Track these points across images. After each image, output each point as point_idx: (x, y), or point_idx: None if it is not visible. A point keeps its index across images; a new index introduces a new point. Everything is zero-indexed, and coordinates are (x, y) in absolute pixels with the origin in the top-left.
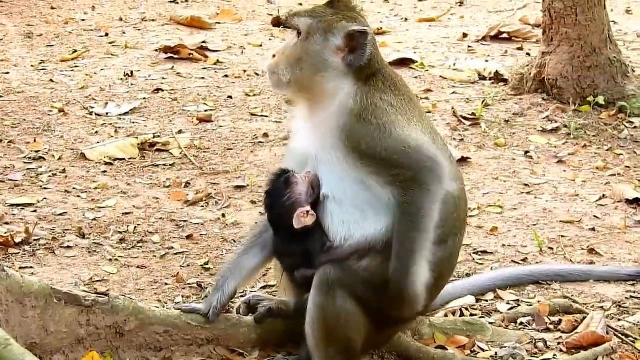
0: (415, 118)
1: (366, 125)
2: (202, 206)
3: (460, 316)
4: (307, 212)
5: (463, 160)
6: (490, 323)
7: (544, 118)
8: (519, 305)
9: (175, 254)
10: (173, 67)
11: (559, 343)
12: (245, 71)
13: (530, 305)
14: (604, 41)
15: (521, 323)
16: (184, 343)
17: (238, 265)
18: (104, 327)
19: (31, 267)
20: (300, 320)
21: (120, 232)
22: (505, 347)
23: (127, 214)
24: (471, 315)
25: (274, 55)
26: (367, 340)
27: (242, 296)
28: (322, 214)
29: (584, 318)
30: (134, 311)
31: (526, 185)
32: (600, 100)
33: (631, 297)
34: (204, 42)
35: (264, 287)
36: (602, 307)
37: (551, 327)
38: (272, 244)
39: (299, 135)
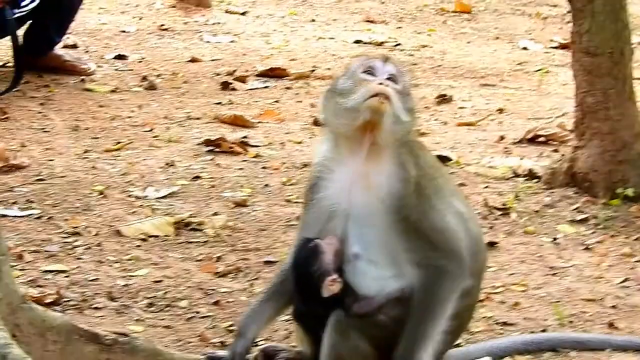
0: (452, 185)
1: (421, 197)
2: (231, 278)
3: None
4: (334, 279)
5: (491, 245)
6: None
7: (573, 209)
8: None
9: (202, 317)
10: (213, 158)
11: None
12: (284, 163)
13: None
14: (635, 136)
15: None
16: None
17: (259, 312)
18: None
19: None
20: None
21: (149, 298)
22: None
23: (157, 282)
24: None
25: None
26: None
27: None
28: (352, 272)
29: None
30: (153, 353)
31: (552, 267)
32: (630, 192)
33: None
34: (245, 137)
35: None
36: None
37: None
38: (295, 309)
39: (333, 186)
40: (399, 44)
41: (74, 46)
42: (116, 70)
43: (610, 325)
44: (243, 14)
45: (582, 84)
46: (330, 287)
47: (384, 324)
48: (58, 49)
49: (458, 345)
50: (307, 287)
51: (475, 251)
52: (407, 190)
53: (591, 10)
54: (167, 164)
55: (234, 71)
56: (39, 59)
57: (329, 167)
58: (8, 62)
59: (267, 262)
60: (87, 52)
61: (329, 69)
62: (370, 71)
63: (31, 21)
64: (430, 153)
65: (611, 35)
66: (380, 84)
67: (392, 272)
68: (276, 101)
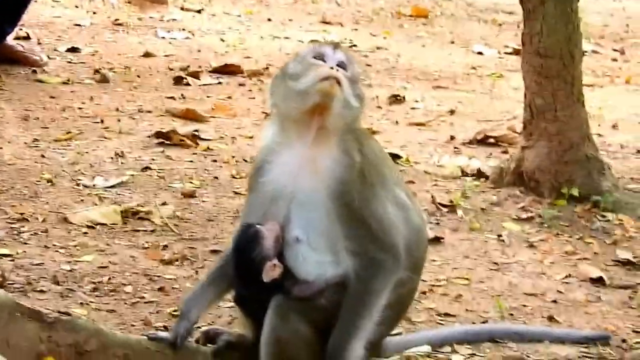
0: (396, 174)
1: (364, 184)
2: (177, 266)
3: None
4: (275, 264)
5: (436, 239)
6: None
7: (519, 208)
8: (473, 357)
9: (146, 302)
10: (163, 150)
11: None
12: (234, 157)
13: (484, 357)
14: (582, 138)
15: None
16: None
17: (201, 295)
18: (65, 344)
19: None
20: (257, 353)
21: (94, 283)
22: None
23: (102, 267)
24: None
25: None
26: None
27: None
28: (292, 256)
29: None
30: (95, 332)
31: (495, 263)
32: (575, 192)
33: (584, 356)
34: (196, 130)
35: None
36: None
37: None
38: (236, 293)
39: (278, 169)
40: (354, 45)
41: (27, 38)
42: (68, 62)
43: (550, 318)
44: (199, 11)
45: (532, 85)
46: (271, 272)
47: (324, 308)
48: (10, 40)
49: (398, 334)
50: (247, 272)
51: (415, 241)
52: (351, 177)
53: (542, 12)
54: (116, 154)
55: (188, 67)
56: None
57: (275, 151)
58: None
59: (214, 251)
60: (39, 44)
61: None
62: (320, 57)
63: None
64: (376, 142)
65: (562, 37)
66: (331, 68)
67: (332, 258)
68: (229, 97)
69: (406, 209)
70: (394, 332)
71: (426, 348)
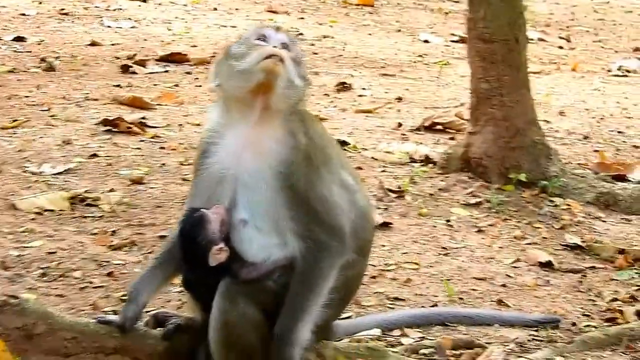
0: (342, 157)
1: (309, 166)
2: (126, 251)
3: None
4: (221, 248)
5: (385, 225)
6: (393, 352)
7: (467, 193)
8: (422, 340)
9: (95, 287)
10: (111, 137)
11: None
12: (181, 144)
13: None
14: (529, 123)
15: (423, 354)
16: (92, 351)
17: (149, 278)
18: (13, 328)
19: None
20: (207, 335)
21: (43, 268)
22: None
23: (51, 253)
24: None
25: None
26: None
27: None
28: (239, 239)
29: None
30: (43, 315)
31: (444, 248)
32: (522, 177)
33: (533, 339)
34: (143, 118)
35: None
36: (503, 345)
37: (452, 358)
38: (184, 277)
39: (223, 151)
40: (300, 34)
41: None
42: (14, 51)
43: (500, 302)
44: (145, 1)
45: (477, 70)
46: (217, 256)
47: (272, 290)
48: None
49: (348, 318)
50: (194, 257)
51: (362, 223)
52: (296, 158)
53: None
54: (64, 142)
55: (134, 55)
56: None
57: (220, 133)
58: None
59: (162, 237)
60: None
61: None
62: (263, 38)
63: None
64: (321, 124)
65: (506, 22)
66: (274, 47)
67: (279, 240)
68: (176, 85)
69: (352, 192)
70: (343, 315)
71: (376, 331)
